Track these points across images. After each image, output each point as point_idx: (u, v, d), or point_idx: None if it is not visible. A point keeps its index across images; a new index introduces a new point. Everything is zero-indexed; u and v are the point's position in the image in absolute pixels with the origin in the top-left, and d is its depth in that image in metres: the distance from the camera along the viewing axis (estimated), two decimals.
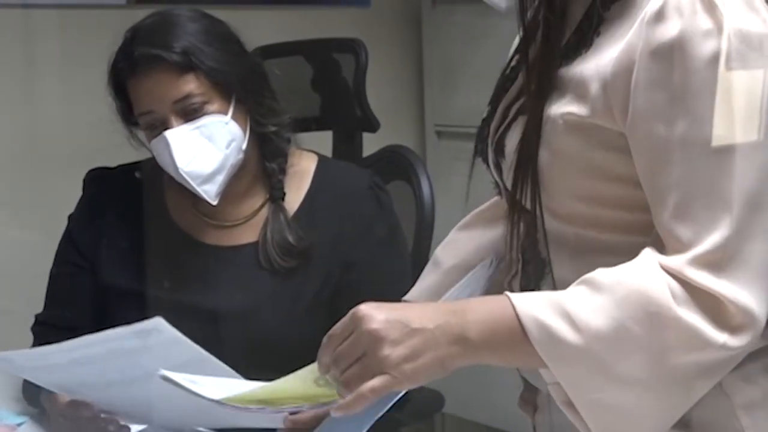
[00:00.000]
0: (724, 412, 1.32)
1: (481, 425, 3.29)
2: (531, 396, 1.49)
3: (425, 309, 1.28)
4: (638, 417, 1.25)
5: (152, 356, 1.52)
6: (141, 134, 1.95)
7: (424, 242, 2.18)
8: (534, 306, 1.23)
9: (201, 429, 1.74)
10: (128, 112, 1.93)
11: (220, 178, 1.88)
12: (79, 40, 2.82)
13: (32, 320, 2.03)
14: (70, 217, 2.05)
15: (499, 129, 1.40)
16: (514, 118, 1.37)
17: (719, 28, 1.22)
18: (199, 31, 1.90)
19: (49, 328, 1.99)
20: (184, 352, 1.53)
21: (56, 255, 2.04)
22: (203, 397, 1.32)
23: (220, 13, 1.98)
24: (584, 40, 1.32)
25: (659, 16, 1.24)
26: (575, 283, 1.25)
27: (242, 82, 1.91)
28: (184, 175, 1.85)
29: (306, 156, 2.03)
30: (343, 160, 2.26)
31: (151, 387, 1.54)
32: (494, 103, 1.45)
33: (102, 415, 1.70)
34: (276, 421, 1.61)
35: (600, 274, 1.24)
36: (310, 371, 1.32)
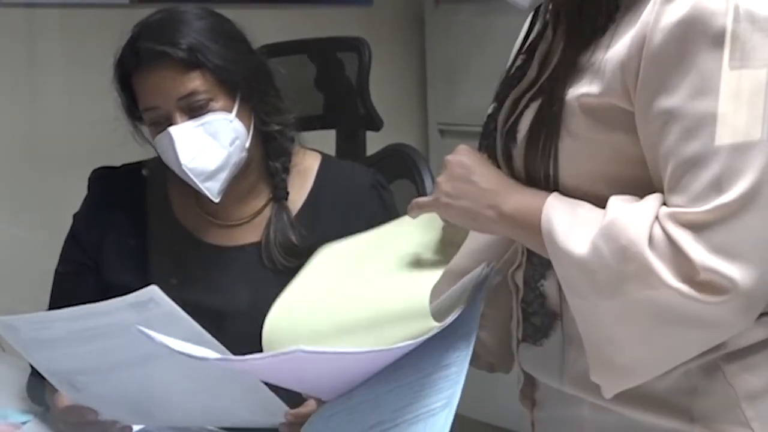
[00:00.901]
0: (728, 403, 1.32)
1: (485, 423, 3.29)
2: (530, 391, 1.50)
3: (491, 173, 1.40)
4: (616, 342, 1.28)
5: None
6: (145, 130, 1.95)
7: None
8: (558, 207, 1.32)
9: (205, 427, 1.75)
10: (133, 107, 1.93)
11: (223, 176, 1.88)
12: (81, 39, 2.83)
13: None
14: (74, 216, 2.05)
15: (509, 119, 1.40)
16: (527, 106, 1.38)
17: (728, 8, 1.24)
18: (205, 29, 1.90)
19: None
20: (183, 328, 1.54)
21: (61, 254, 2.04)
22: (184, 353, 1.35)
23: (224, 12, 1.98)
24: (600, 25, 1.33)
25: None
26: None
27: (247, 81, 1.91)
28: (187, 172, 1.85)
29: (309, 155, 2.03)
30: (346, 159, 2.26)
31: (151, 372, 1.55)
32: (500, 98, 1.45)
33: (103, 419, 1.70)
34: (278, 408, 1.61)
35: (613, 204, 1.28)
36: None
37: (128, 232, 1.98)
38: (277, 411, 1.64)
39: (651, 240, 1.23)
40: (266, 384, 1.58)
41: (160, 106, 1.87)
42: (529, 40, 1.47)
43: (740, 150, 1.22)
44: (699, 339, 1.27)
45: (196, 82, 1.86)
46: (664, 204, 1.26)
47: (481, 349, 1.52)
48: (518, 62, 1.47)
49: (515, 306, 1.48)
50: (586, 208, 1.30)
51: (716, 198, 1.22)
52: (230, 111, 1.88)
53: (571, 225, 1.29)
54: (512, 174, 1.40)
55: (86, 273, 1.99)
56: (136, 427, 1.74)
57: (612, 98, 1.29)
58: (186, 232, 1.98)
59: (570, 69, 1.34)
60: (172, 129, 1.85)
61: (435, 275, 1.59)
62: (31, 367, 1.88)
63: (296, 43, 2.52)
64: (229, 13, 1.99)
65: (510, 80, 1.46)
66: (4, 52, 2.75)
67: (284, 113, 1.98)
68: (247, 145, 1.91)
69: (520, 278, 1.46)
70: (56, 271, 2.04)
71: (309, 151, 2.04)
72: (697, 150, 1.24)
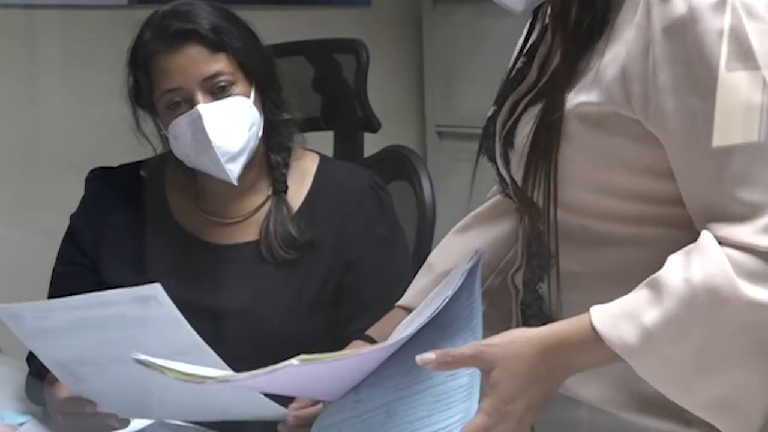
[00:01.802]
0: None
1: None
2: None
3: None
4: (749, 404, 1.26)
5: (151, 332, 1.54)
6: (147, 124, 1.95)
7: (425, 242, 2.18)
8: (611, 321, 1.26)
9: (202, 420, 1.75)
10: (144, 92, 1.92)
11: (243, 159, 1.89)
12: (80, 40, 2.83)
13: None
14: (72, 217, 2.05)
15: (508, 123, 1.40)
16: (525, 110, 1.38)
17: (725, 2, 1.24)
18: (223, 15, 1.92)
19: None
20: (183, 336, 1.54)
21: (58, 254, 2.04)
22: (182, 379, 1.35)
23: None
24: (595, 29, 1.33)
25: None
26: (642, 285, 1.26)
27: (262, 70, 1.93)
28: (215, 150, 1.85)
29: (308, 155, 2.04)
30: (344, 161, 2.26)
31: (150, 373, 1.55)
32: (500, 101, 1.45)
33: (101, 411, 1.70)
34: (275, 410, 1.61)
35: (666, 275, 1.24)
36: None
37: (126, 232, 1.98)
38: (276, 409, 1.64)
39: (741, 274, 1.21)
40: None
41: (182, 87, 1.87)
42: (530, 43, 1.47)
43: None
44: None
45: (221, 63, 1.87)
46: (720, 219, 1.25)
47: None
48: (518, 65, 1.47)
49: (515, 308, 1.48)
50: (629, 303, 1.27)
51: None
52: (248, 96, 1.90)
53: (642, 332, 1.24)
54: (510, 177, 1.40)
55: (84, 273, 1.99)
56: (134, 422, 1.74)
57: (613, 106, 1.29)
58: (184, 231, 1.98)
59: (568, 74, 1.33)
60: (200, 107, 1.85)
61: None
62: (29, 367, 1.89)
63: (294, 45, 2.52)
64: None
65: (510, 83, 1.46)
66: (4, 52, 2.76)
67: (290, 109, 1.99)
68: (260, 133, 1.92)
69: (519, 280, 1.46)
70: (54, 271, 2.04)
71: (308, 152, 2.05)
72: (760, 142, 1.23)
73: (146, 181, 2.02)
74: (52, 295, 2.03)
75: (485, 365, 1.28)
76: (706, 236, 1.24)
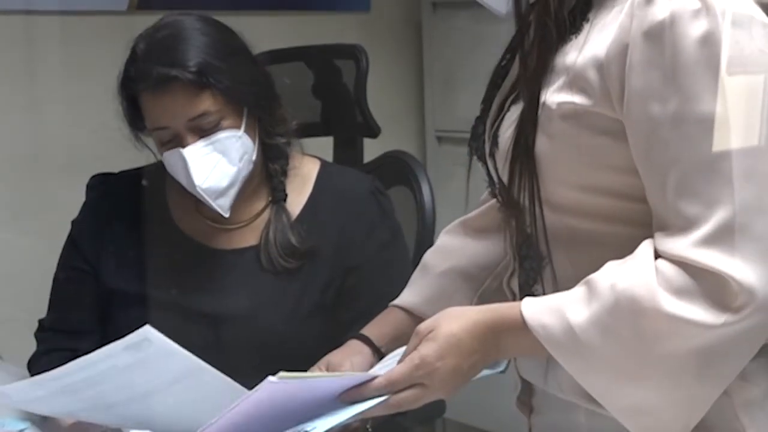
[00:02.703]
0: (724, 412, 1.32)
1: (482, 430, 3.30)
2: (527, 397, 1.50)
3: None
4: (662, 413, 1.27)
5: (148, 371, 1.51)
6: (148, 140, 1.95)
7: (425, 247, 2.16)
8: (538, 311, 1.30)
9: None
10: (137, 119, 1.92)
11: (233, 192, 1.89)
12: (79, 45, 2.83)
13: (35, 326, 2.03)
14: (73, 223, 2.05)
15: (495, 123, 1.41)
16: (508, 109, 1.38)
17: (707, 8, 1.24)
18: (210, 46, 1.88)
19: (54, 333, 2.00)
20: (180, 362, 1.51)
21: (60, 260, 2.04)
22: None
23: (222, 19, 1.98)
24: (574, 26, 1.33)
25: None
26: (581, 282, 1.29)
27: (254, 95, 1.91)
28: (202, 193, 1.86)
29: (308, 160, 2.04)
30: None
31: (152, 404, 1.54)
32: (487, 100, 1.46)
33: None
34: None
35: (598, 278, 1.27)
36: None
37: (127, 238, 1.98)
38: None
39: (668, 288, 1.23)
40: None
41: (169, 126, 1.86)
42: (515, 40, 1.47)
43: (749, 154, 1.22)
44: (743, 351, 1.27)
45: (206, 103, 1.85)
46: (658, 229, 1.26)
47: None
48: (503, 62, 1.47)
49: None
50: (560, 299, 1.31)
51: (731, 203, 1.22)
52: (239, 128, 1.88)
53: (563, 324, 1.29)
54: (497, 177, 1.41)
55: (85, 279, 1.99)
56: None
57: (592, 105, 1.29)
58: (185, 236, 1.99)
59: (544, 71, 1.33)
60: (184, 151, 1.84)
61: None
62: (30, 374, 1.89)
63: (294, 51, 2.52)
64: (227, 20, 1.98)
65: (496, 79, 1.46)
66: (4, 58, 2.76)
67: (288, 122, 1.98)
68: (254, 158, 1.91)
69: (515, 285, 1.46)
70: (55, 277, 2.04)
71: (308, 157, 2.05)
72: (703, 154, 1.23)
73: (147, 186, 2.02)
74: (53, 301, 2.03)
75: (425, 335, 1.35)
76: (644, 245, 1.27)
